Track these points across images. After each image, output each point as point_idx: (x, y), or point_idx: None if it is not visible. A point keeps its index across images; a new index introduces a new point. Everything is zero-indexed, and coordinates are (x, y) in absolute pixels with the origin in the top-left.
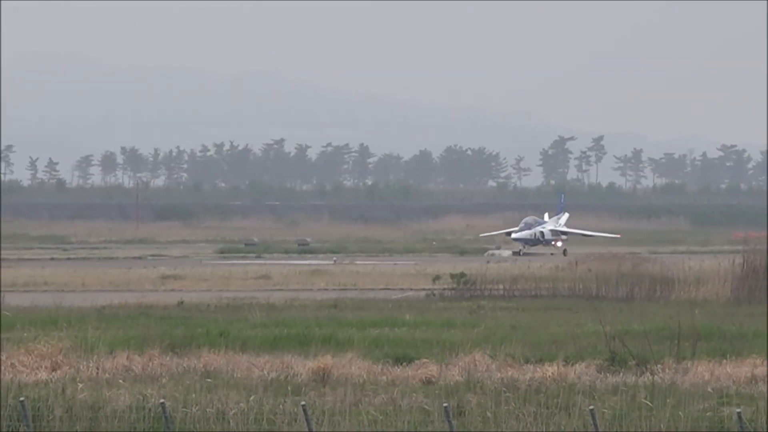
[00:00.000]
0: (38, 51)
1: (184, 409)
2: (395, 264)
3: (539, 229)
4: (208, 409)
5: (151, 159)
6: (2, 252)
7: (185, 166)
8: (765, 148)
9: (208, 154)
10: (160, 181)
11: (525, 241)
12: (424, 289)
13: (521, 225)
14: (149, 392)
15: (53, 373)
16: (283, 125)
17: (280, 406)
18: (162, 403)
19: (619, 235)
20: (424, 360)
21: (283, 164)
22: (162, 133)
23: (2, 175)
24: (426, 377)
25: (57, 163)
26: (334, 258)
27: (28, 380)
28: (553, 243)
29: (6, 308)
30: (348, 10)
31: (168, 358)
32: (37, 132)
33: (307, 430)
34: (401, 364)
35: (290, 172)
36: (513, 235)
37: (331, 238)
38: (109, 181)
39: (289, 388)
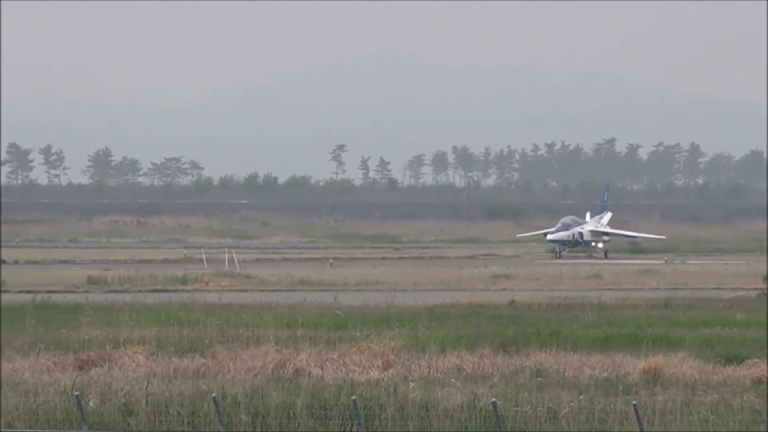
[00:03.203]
0: (382, 52)
1: (516, 408)
2: (726, 264)
3: (578, 229)
4: (539, 408)
5: (482, 158)
6: (335, 251)
7: (516, 165)
8: None
9: (539, 153)
10: (490, 181)
11: (562, 243)
12: (755, 289)
13: (558, 225)
14: (480, 391)
15: (385, 371)
16: (613, 124)
17: (611, 405)
18: (493, 402)
19: (665, 236)
20: (756, 360)
21: (613, 164)
22: (493, 133)
23: (335, 175)
24: (757, 377)
25: (389, 163)
26: (666, 257)
27: (361, 379)
28: (593, 244)
29: (338, 307)
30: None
31: (499, 357)
32: (370, 131)
33: (638, 429)
34: (732, 363)
35: (621, 171)
36: (548, 237)
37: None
38: (440, 181)
39: (620, 387)
